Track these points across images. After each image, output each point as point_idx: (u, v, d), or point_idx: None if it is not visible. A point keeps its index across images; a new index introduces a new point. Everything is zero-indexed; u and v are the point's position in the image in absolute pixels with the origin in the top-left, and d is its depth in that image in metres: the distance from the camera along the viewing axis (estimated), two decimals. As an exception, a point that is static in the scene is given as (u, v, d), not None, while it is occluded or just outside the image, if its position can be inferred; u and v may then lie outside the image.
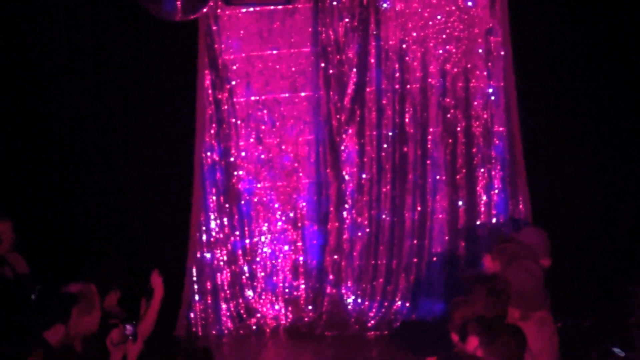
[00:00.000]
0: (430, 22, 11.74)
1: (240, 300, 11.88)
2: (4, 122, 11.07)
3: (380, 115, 11.85)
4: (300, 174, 12.03)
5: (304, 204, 12.00)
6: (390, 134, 11.86)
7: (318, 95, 11.92)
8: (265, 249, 11.99)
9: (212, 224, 11.88)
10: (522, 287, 6.84)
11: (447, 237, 11.78)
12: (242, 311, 11.87)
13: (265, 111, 11.97)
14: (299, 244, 11.98)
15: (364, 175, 11.89)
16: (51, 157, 11.31)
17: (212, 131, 11.90)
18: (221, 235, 11.92)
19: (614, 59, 10.86)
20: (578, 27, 10.94)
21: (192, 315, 11.69)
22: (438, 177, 11.78)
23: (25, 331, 5.90)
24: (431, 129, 11.81)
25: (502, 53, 11.55)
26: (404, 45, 11.79)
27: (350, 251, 11.89)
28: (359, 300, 11.82)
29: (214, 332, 11.72)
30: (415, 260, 11.78)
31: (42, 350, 5.87)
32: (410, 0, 11.74)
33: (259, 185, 12.01)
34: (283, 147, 12.01)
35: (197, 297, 11.74)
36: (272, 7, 11.81)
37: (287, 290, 11.94)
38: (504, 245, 7.64)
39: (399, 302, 11.75)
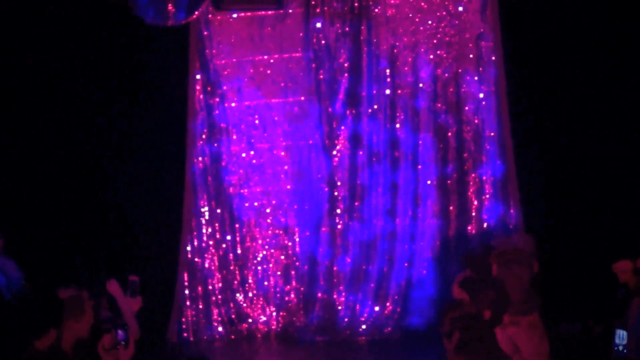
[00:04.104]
0: (421, 28, 11.77)
1: (232, 305, 11.87)
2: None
3: (371, 120, 11.87)
4: (292, 179, 12.03)
5: (296, 209, 12.00)
6: (382, 138, 11.87)
7: (309, 100, 11.93)
8: (256, 254, 11.99)
9: (204, 229, 11.88)
10: (509, 292, 6.84)
11: (438, 242, 11.77)
12: (233, 316, 11.86)
13: (256, 116, 11.99)
14: (291, 249, 11.98)
15: (355, 181, 11.90)
16: (43, 162, 11.30)
17: (204, 136, 11.92)
18: (212, 241, 11.92)
19: (605, 63, 10.89)
20: (569, 32, 10.98)
21: (183, 320, 11.68)
22: (429, 181, 11.79)
23: (14, 336, 5.89)
24: (422, 134, 11.82)
25: (493, 58, 11.58)
26: (395, 51, 11.81)
27: (342, 256, 11.88)
28: (350, 305, 11.81)
29: (205, 337, 11.72)
30: (406, 265, 11.78)
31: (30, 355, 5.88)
32: (401, 6, 11.77)
33: (250, 190, 12.01)
34: (274, 152, 12.02)
35: (188, 302, 11.74)
36: (263, 12, 11.83)
37: (278, 295, 11.93)
38: (495, 251, 7.66)
39: (390, 307, 11.75)
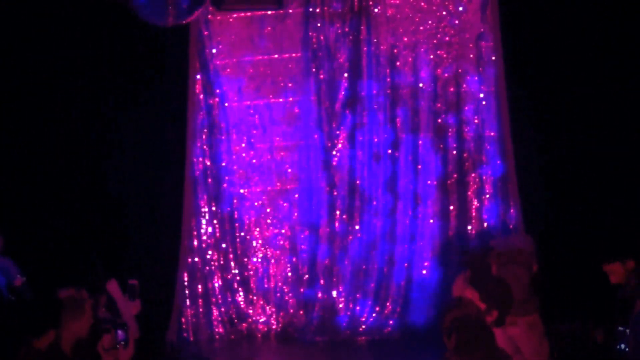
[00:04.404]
0: (421, 28, 11.77)
1: (232, 305, 11.87)
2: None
3: (371, 120, 11.87)
4: (292, 179, 12.03)
5: (295, 209, 12.00)
6: (381, 138, 11.87)
7: (309, 101, 11.93)
8: (256, 254, 11.98)
9: (203, 229, 11.88)
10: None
11: (438, 242, 11.77)
12: (233, 316, 11.86)
13: (256, 116, 11.99)
14: (290, 249, 11.97)
15: (355, 181, 11.90)
16: (43, 162, 11.31)
17: (203, 136, 11.92)
18: (212, 240, 11.91)
19: (605, 63, 10.89)
20: (569, 32, 10.98)
21: (183, 320, 11.68)
22: (429, 181, 11.79)
23: (13, 336, 5.89)
24: (422, 134, 11.82)
25: (493, 58, 11.58)
26: (395, 51, 11.82)
27: (342, 256, 11.88)
28: (350, 305, 11.81)
29: (205, 337, 11.71)
30: (406, 265, 11.77)
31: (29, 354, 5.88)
32: (401, 6, 11.77)
33: (250, 190, 12.01)
34: (274, 152, 12.02)
35: (188, 302, 11.73)
36: (263, 13, 11.83)
37: (278, 295, 11.93)
38: (494, 252, 7.66)
39: (390, 307, 11.74)
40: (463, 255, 10.59)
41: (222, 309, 11.83)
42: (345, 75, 11.87)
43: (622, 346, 7.08)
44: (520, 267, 7.33)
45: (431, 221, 11.79)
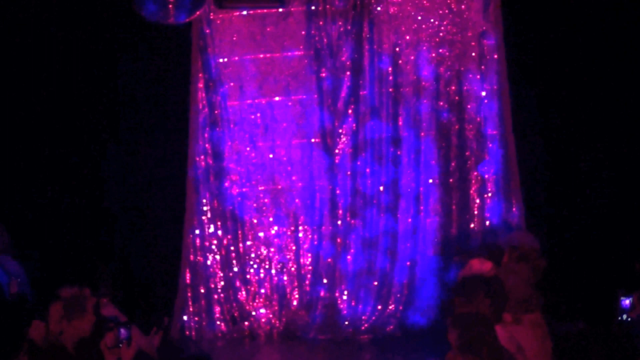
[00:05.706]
0: (424, 26, 11.76)
1: (234, 304, 11.87)
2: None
3: (373, 118, 11.86)
4: (294, 178, 12.02)
5: (298, 207, 11.99)
6: (384, 137, 11.86)
7: (311, 99, 11.93)
8: (258, 253, 11.98)
9: (206, 228, 11.88)
10: (512, 290, 6.84)
11: (440, 240, 11.76)
12: (235, 314, 11.86)
13: (258, 114, 11.99)
14: (293, 247, 11.98)
15: (357, 179, 11.90)
16: (44, 161, 11.31)
17: (206, 134, 11.91)
18: (214, 239, 11.91)
19: (608, 61, 10.89)
20: (571, 30, 10.98)
21: (185, 318, 11.68)
22: (431, 180, 11.78)
23: (9, 330, 5.92)
24: (424, 133, 11.82)
25: (496, 56, 11.57)
26: (397, 49, 11.81)
27: (344, 255, 11.88)
28: (353, 304, 11.80)
29: (207, 335, 11.71)
30: (408, 263, 11.77)
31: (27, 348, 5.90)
32: (404, 4, 11.76)
33: (252, 189, 12.01)
34: (276, 150, 12.02)
35: (190, 301, 11.73)
36: (265, 11, 11.83)
37: (280, 293, 11.93)
38: (495, 250, 7.66)
39: (393, 306, 11.74)
40: (467, 251, 10.55)
41: (225, 308, 11.83)
42: (347, 73, 11.86)
43: (624, 317, 7.07)
44: (525, 264, 7.33)
45: (433, 219, 11.79)
